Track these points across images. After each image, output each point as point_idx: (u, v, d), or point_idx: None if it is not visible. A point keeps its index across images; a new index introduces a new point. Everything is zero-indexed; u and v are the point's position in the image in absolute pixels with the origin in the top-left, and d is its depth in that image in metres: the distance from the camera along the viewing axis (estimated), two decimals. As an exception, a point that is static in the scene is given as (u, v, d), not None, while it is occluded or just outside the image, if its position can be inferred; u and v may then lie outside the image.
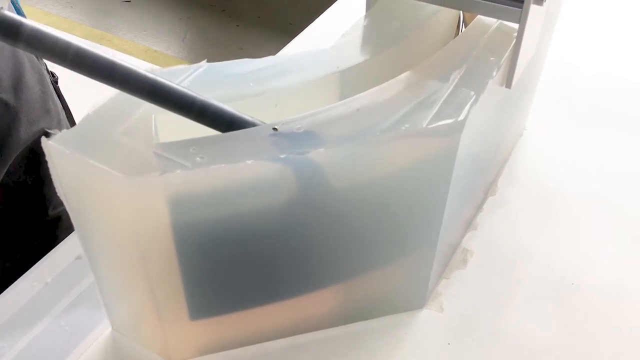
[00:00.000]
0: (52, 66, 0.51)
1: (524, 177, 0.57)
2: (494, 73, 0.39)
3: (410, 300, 0.45)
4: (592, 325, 0.45)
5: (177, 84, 0.34)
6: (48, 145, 0.32)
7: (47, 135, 0.32)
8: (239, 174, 0.33)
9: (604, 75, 0.70)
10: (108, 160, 0.31)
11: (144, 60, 2.01)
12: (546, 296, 0.47)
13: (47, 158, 0.33)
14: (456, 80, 0.38)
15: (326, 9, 0.79)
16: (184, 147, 0.33)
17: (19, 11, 0.59)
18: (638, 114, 0.64)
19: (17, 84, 0.55)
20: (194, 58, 2.05)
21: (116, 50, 2.06)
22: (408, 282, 0.44)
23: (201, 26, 2.22)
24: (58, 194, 0.35)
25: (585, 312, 0.46)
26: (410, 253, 0.43)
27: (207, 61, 0.40)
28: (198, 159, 0.32)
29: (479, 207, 0.53)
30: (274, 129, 0.34)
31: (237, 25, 2.22)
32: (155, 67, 0.38)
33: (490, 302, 0.46)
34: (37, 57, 0.60)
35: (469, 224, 0.51)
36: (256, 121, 0.36)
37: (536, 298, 0.46)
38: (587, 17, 0.79)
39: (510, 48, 0.41)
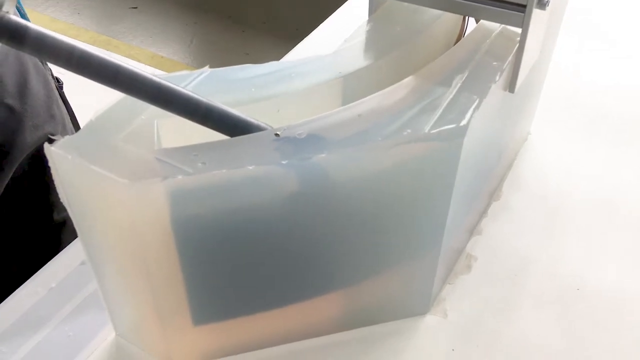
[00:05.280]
0: (58, 71, 0.51)
1: (529, 182, 0.56)
2: (497, 77, 0.39)
3: (414, 305, 0.45)
4: (596, 330, 0.45)
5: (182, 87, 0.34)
6: (51, 151, 0.32)
7: (51, 140, 0.33)
8: (240, 180, 0.33)
9: (610, 79, 0.69)
10: (110, 166, 0.31)
11: (150, 65, 2.02)
12: (550, 301, 0.46)
13: (50, 164, 0.33)
14: (459, 85, 0.38)
15: (332, 13, 0.79)
16: (185, 152, 0.33)
17: (24, 17, 0.59)
18: (644, 118, 0.64)
19: (22, 89, 0.56)
20: (200, 64, 2.05)
21: (123, 55, 2.07)
22: (412, 288, 0.44)
23: (207, 32, 2.23)
24: (61, 200, 0.35)
25: (590, 318, 0.45)
26: (414, 258, 0.42)
27: (211, 67, 0.40)
28: (200, 164, 0.32)
29: (483, 213, 0.53)
30: (276, 134, 0.34)
31: (243, 31, 2.22)
32: (160, 72, 0.38)
33: (495, 307, 0.46)
34: (42, 62, 0.60)
35: (473, 229, 0.51)
36: (261, 124, 0.36)
37: (540, 303, 0.46)
38: (593, 21, 0.79)
39: (513, 52, 0.41)
